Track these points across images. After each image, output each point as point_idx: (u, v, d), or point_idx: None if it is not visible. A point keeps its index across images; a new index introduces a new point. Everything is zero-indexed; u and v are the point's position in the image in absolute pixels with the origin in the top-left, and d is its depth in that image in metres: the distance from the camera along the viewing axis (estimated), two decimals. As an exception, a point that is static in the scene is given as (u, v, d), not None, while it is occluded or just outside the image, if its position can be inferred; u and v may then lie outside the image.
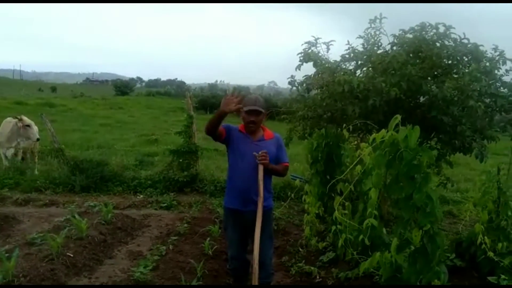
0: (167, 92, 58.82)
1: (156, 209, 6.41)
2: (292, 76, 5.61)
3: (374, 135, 3.01)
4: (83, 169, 7.42)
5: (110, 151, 11.04)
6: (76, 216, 4.80)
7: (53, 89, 60.11)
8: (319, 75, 5.26)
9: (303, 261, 4.30)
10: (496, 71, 5.16)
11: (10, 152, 7.97)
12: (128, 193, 7.23)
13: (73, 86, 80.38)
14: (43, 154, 8.82)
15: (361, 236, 3.20)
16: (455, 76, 5.23)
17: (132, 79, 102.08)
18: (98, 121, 20.31)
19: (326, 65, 5.33)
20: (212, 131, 3.14)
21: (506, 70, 5.27)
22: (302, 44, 5.56)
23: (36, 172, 7.87)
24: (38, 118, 8.46)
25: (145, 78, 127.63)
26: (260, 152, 3.13)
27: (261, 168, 3.11)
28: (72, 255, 4.00)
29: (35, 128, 8.02)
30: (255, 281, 2.83)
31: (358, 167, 3.43)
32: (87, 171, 7.39)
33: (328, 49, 5.46)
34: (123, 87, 53.74)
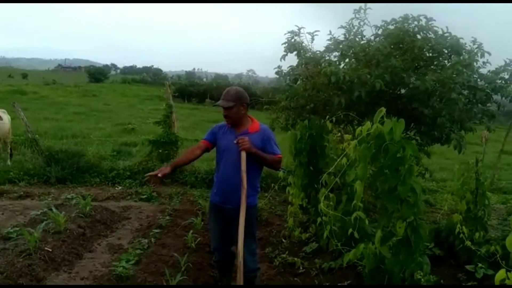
0: (143, 80, 57.64)
1: (135, 200, 6.29)
2: (279, 67, 5.59)
3: (360, 127, 3.01)
4: (59, 160, 7.19)
5: (86, 141, 10.76)
6: (53, 209, 4.65)
7: (24, 75, 58.08)
8: (303, 66, 5.25)
9: (286, 252, 4.31)
10: (474, 64, 5.27)
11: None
12: (106, 185, 7.07)
13: (45, 72, 77.87)
14: (16, 144, 8.51)
15: (350, 230, 3.22)
16: (434, 68, 5.31)
17: (107, 65, 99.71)
18: (71, 109, 19.73)
19: (311, 56, 5.31)
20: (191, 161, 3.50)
21: (483, 62, 5.39)
22: (285, 34, 5.53)
23: (9, 163, 7.59)
24: (10, 106, 8.12)
25: (120, 65, 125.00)
26: (238, 138, 3.01)
27: (243, 157, 2.97)
28: (50, 250, 3.87)
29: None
30: (240, 276, 2.81)
31: (343, 159, 3.44)
32: (62, 162, 7.16)
33: (312, 39, 5.44)
34: (97, 74, 52.35)
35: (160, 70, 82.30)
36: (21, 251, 3.76)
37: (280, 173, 5.29)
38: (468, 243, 3.99)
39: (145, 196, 6.39)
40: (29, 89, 28.68)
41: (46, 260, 3.73)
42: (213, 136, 3.28)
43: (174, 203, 6.14)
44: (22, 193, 6.22)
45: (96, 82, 46.57)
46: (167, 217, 5.25)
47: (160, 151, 7.58)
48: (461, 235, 4.01)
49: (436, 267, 4.01)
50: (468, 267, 3.93)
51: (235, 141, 3.04)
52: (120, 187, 6.94)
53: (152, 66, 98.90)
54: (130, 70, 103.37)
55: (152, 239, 4.46)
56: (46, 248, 3.87)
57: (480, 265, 3.86)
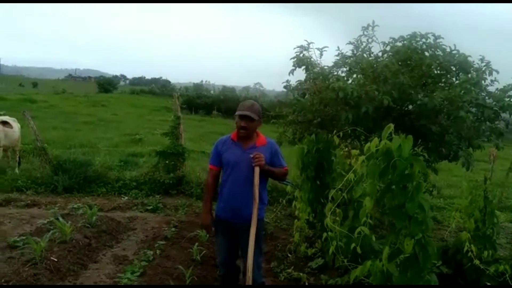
0: (151, 91, 58.29)
1: (141, 211, 6.28)
2: (287, 81, 5.63)
3: (368, 143, 3.01)
4: (66, 169, 7.23)
5: (93, 151, 10.81)
6: (60, 218, 4.67)
7: (35, 84, 58.90)
8: (312, 80, 5.28)
9: (292, 267, 4.28)
10: (482, 82, 5.27)
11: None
12: (113, 195, 7.07)
13: (55, 82, 78.89)
14: (25, 153, 8.58)
15: (353, 244, 3.19)
16: (442, 85, 5.32)
17: (116, 76, 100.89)
18: (80, 118, 19.94)
19: (319, 71, 5.35)
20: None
21: (492, 80, 5.39)
22: (294, 48, 5.58)
23: (17, 171, 7.65)
24: (20, 115, 8.22)
25: (129, 76, 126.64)
26: (254, 153, 3.05)
27: (257, 172, 3.01)
28: (56, 260, 3.88)
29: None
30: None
31: (351, 175, 3.43)
32: (70, 171, 7.20)
33: (321, 54, 5.48)
34: (106, 84, 52.97)
35: (169, 82, 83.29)
36: (27, 260, 3.78)
37: (288, 188, 5.28)
38: (476, 262, 3.93)
39: (150, 207, 6.38)
40: (39, 98, 29.10)
41: (52, 270, 3.73)
42: (219, 158, 3.27)
43: (179, 214, 6.13)
44: (29, 201, 6.25)
45: (105, 93, 47.11)
46: (173, 229, 5.25)
47: (167, 162, 7.59)
48: (469, 253, 3.95)
49: (443, 285, 3.96)
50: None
51: (251, 155, 3.06)
52: (126, 198, 6.95)
53: (161, 77, 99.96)
54: (139, 81, 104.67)
55: (157, 251, 4.45)
56: (51, 258, 3.88)
57: (488, 284, 3.81)
